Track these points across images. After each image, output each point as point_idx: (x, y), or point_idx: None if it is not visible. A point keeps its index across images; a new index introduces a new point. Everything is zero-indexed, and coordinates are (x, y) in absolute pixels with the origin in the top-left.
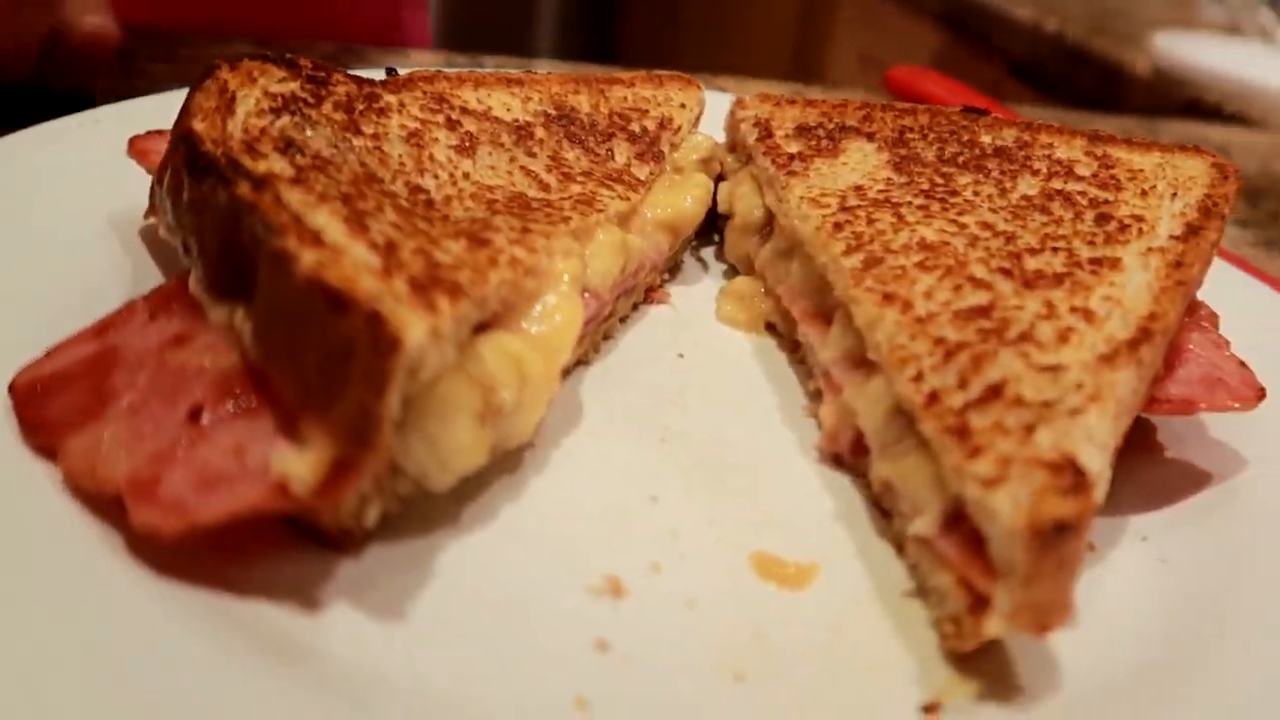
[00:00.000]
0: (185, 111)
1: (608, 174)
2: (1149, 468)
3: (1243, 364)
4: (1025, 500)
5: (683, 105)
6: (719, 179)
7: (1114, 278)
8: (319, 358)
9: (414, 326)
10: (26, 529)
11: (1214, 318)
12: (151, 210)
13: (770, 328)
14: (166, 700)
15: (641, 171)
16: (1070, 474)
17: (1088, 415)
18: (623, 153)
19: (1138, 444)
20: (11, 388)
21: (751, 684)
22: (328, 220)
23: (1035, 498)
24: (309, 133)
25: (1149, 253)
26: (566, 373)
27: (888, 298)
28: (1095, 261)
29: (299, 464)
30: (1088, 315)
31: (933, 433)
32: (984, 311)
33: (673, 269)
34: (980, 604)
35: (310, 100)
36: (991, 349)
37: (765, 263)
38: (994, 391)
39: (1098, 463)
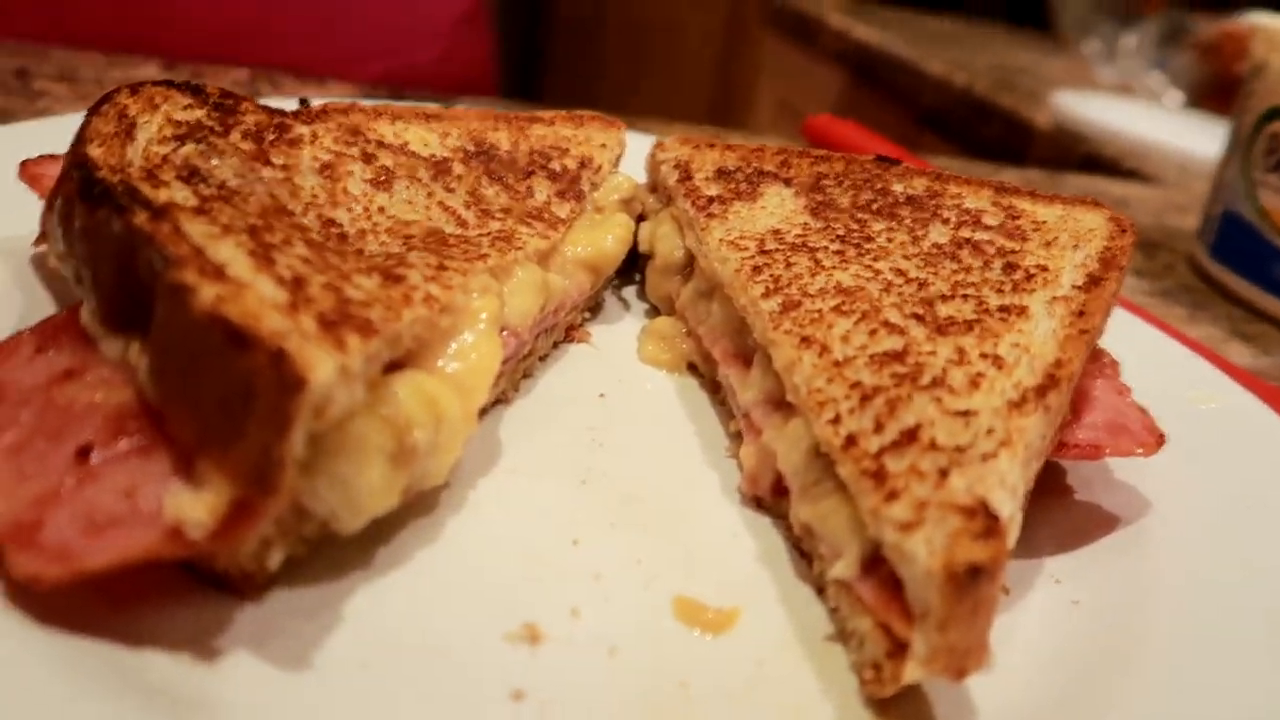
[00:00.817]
0: (81, 137)
1: (527, 211)
2: (1060, 511)
3: (1143, 410)
4: (940, 544)
5: (603, 145)
6: (640, 219)
7: (1022, 325)
8: (218, 396)
9: (321, 365)
10: None
11: (1115, 365)
12: (42, 238)
13: (692, 368)
14: None
15: (562, 210)
16: (983, 518)
17: (999, 460)
18: (543, 191)
19: (1048, 488)
20: None
21: None
22: (233, 253)
23: (950, 541)
24: (215, 162)
25: (1054, 301)
26: (484, 412)
27: (805, 340)
28: (1004, 309)
29: (195, 506)
30: (997, 362)
31: (850, 476)
32: (899, 356)
33: (594, 308)
34: (899, 649)
35: (217, 128)
36: (906, 393)
37: (686, 303)
38: (909, 436)
39: (1009, 506)
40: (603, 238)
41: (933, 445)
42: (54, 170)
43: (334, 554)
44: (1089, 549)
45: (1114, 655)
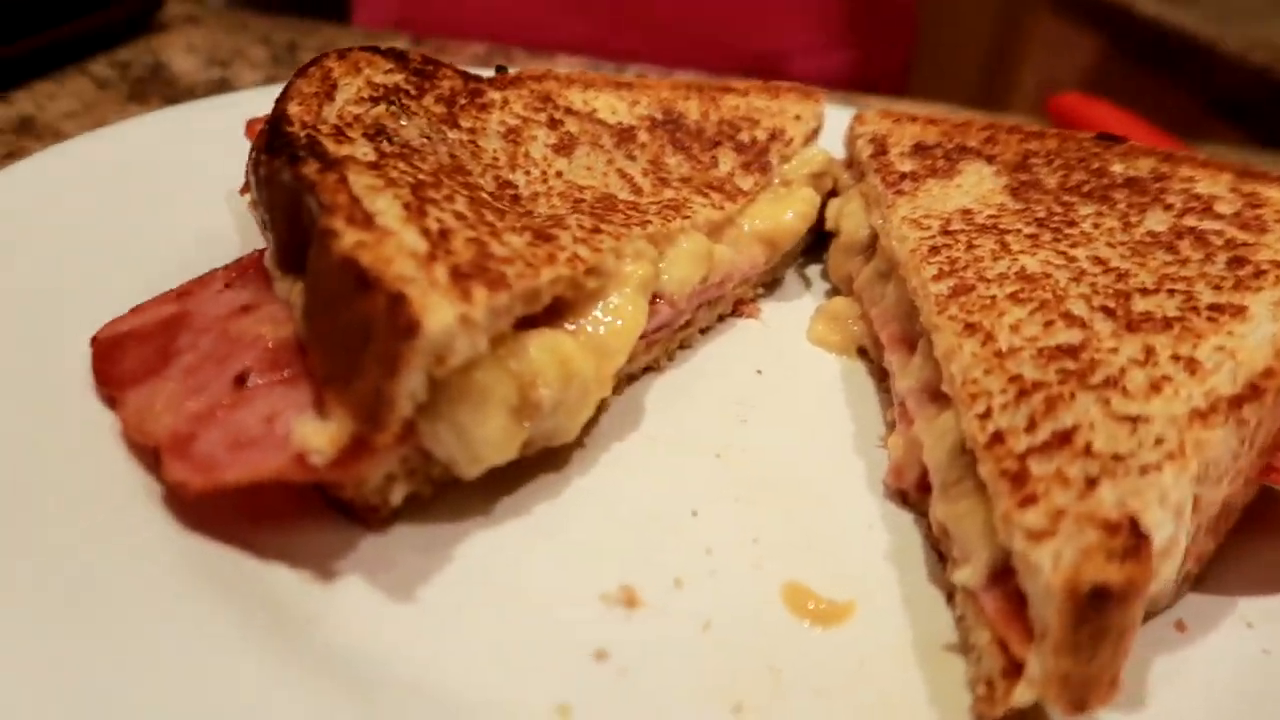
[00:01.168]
0: (283, 95)
1: (707, 182)
2: (1270, 547)
3: None
4: (1070, 559)
5: (797, 117)
6: (832, 195)
7: (1234, 327)
8: (345, 334)
9: (438, 312)
10: (79, 470)
11: None
12: (246, 187)
13: (862, 353)
14: (154, 642)
15: (745, 182)
16: (1127, 536)
17: (1163, 474)
18: (727, 161)
19: (1262, 519)
20: (93, 341)
21: (747, 717)
22: (389, 205)
23: (1081, 557)
24: (403, 122)
25: None
26: (634, 378)
27: (970, 328)
28: (1216, 308)
29: (318, 437)
30: (1191, 365)
31: (989, 475)
32: (1072, 351)
33: (771, 284)
34: (1014, 668)
35: (412, 92)
36: (1069, 392)
37: (863, 284)
38: (1062, 438)
39: (1168, 528)
40: (782, 212)
41: (1087, 451)
42: None
43: (458, 498)
44: None
45: None
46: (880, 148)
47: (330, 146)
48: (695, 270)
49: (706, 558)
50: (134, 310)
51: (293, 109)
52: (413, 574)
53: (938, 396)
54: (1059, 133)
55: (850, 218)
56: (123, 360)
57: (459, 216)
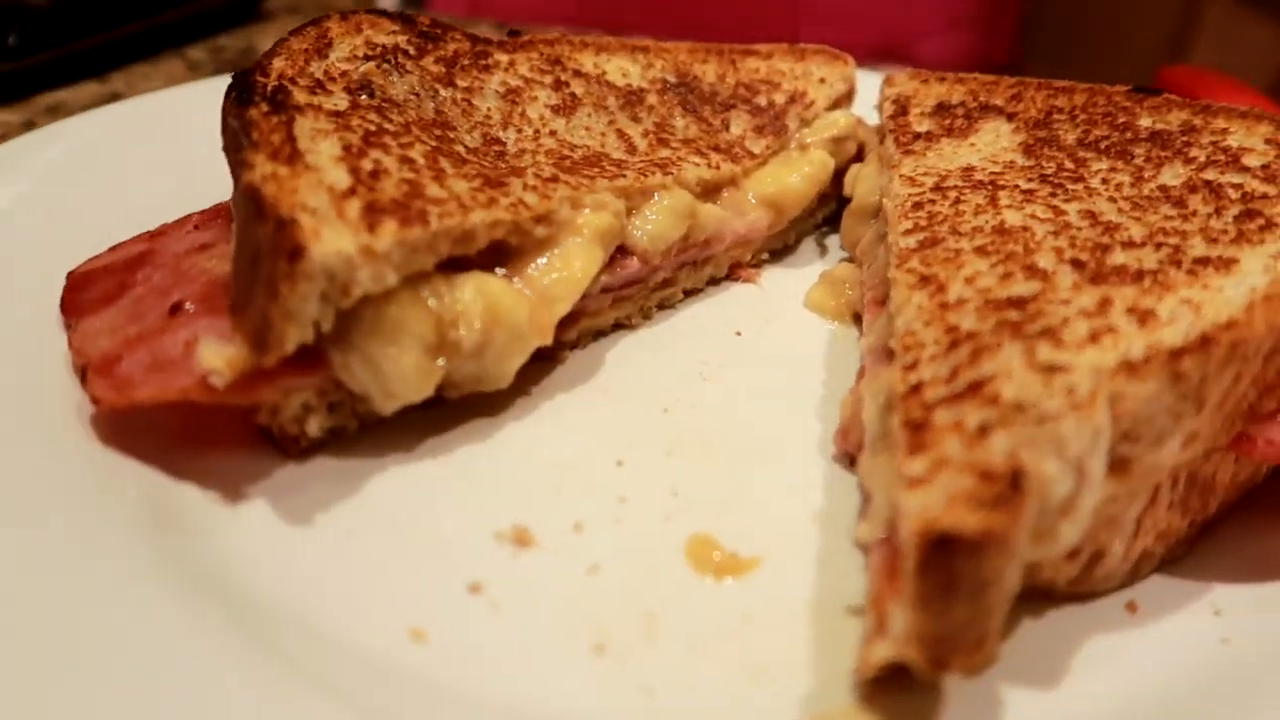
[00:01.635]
0: (271, 50)
1: (713, 144)
2: (1259, 532)
3: None
4: (935, 506)
5: (822, 80)
6: (858, 161)
7: (1213, 280)
8: (244, 262)
9: (332, 240)
10: (18, 387)
11: None
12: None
13: (857, 319)
14: (40, 536)
15: (756, 145)
16: (1002, 485)
17: (1061, 424)
18: (740, 124)
19: (1264, 504)
20: (68, 275)
21: (606, 659)
22: (328, 147)
23: (945, 505)
24: (393, 79)
25: None
26: (602, 334)
27: (924, 280)
28: (1202, 261)
29: (217, 358)
30: (1145, 317)
31: (896, 426)
32: (1020, 303)
33: (781, 250)
34: (884, 625)
35: (412, 52)
36: (998, 341)
37: (865, 247)
38: (974, 388)
39: (1066, 484)
40: (789, 175)
41: (993, 400)
42: None
43: (385, 435)
44: (1276, 585)
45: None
46: (902, 108)
47: (298, 95)
48: (674, 227)
49: (617, 506)
50: (111, 248)
51: (276, 63)
52: (315, 502)
53: (889, 354)
54: (1090, 87)
55: (864, 181)
56: (86, 291)
57: (407, 161)
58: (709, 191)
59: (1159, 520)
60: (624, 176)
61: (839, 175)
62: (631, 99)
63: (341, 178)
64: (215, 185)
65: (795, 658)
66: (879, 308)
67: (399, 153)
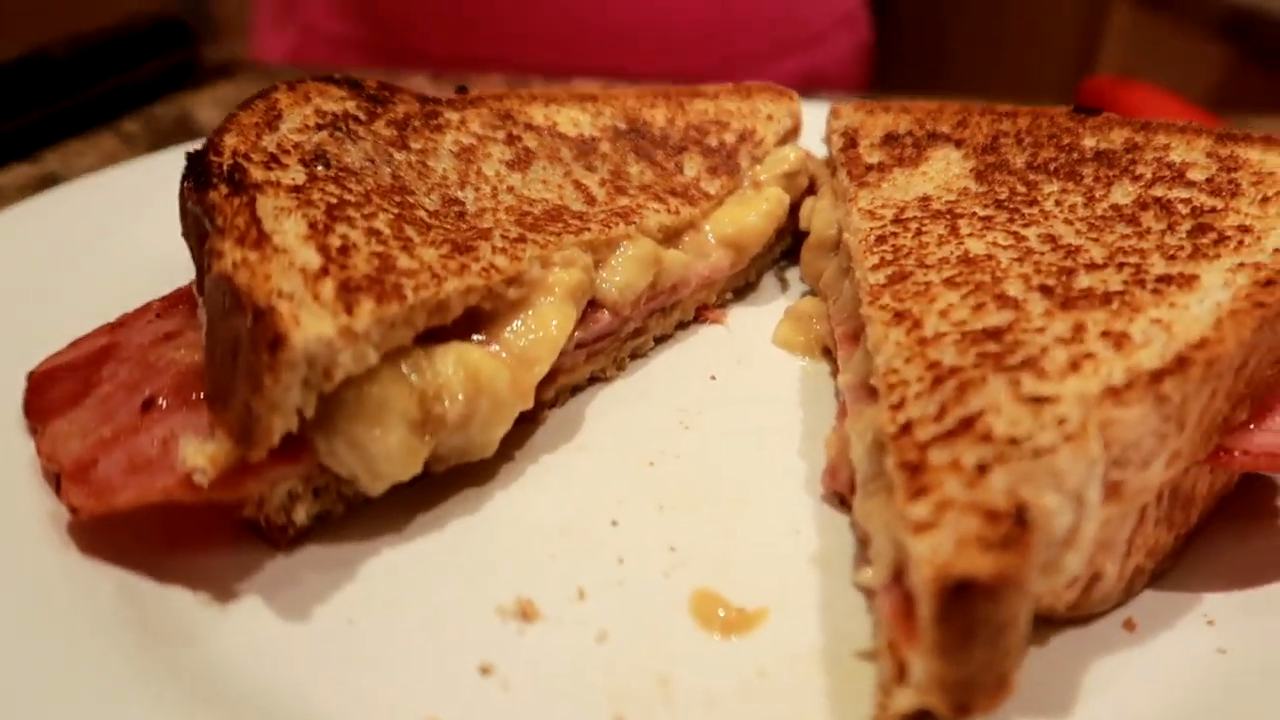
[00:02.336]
0: (221, 126)
1: (669, 188)
2: (1245, 539)
3: None
4: (945, 551)
5: (770, 117)
6: (810, 194)
7: (1179, 298)
8: (222, 354)
9: (311, 325)
10: None
11: None
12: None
13: (826, 353)
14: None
15: (711, 186)
16: (1008, 524)
17: (1058, 457)
18: (694, 166)
19: (1242, 507)
20: (28, 376)
21: None
22: (293, 225)
23: (955, 549)
24: (347, 146)
25: (1239, 269)
26: (578, 389)
27: (898, 316)
28: (1164, 279)
29: (199, 456)
30: (1120, 341)
31: (892, 468)
32: (997, 334)
33: (743, 289)
34: (904, 673)
35: (362, 118)
36: (982, 375)
37: (828, 281)
38: (966, 424)
39: (1067, 516)
40: (747, 214)
41: (986, 436)
42: None
43: (372, 516)
44: (1264, 591)
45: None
46: (851, 140)
47: (255, 173)
48: (640, 276)
49: (617, 567)
50: (71, 344)
51: (227, 140)
52: (310, 593)
53: (871, 391)
54: (1032, 110)
55: (820, 215)
56: (50, 392)
57: (373, 233)
58: (671, 237)
59: (1148, 537)
60: (588, 230)
61: (794, 209)
62: (585, 149)
63: (312, 257)
64: (169, 268)
65: (813, 708)
66: (853, 343)
67: (364, 225)
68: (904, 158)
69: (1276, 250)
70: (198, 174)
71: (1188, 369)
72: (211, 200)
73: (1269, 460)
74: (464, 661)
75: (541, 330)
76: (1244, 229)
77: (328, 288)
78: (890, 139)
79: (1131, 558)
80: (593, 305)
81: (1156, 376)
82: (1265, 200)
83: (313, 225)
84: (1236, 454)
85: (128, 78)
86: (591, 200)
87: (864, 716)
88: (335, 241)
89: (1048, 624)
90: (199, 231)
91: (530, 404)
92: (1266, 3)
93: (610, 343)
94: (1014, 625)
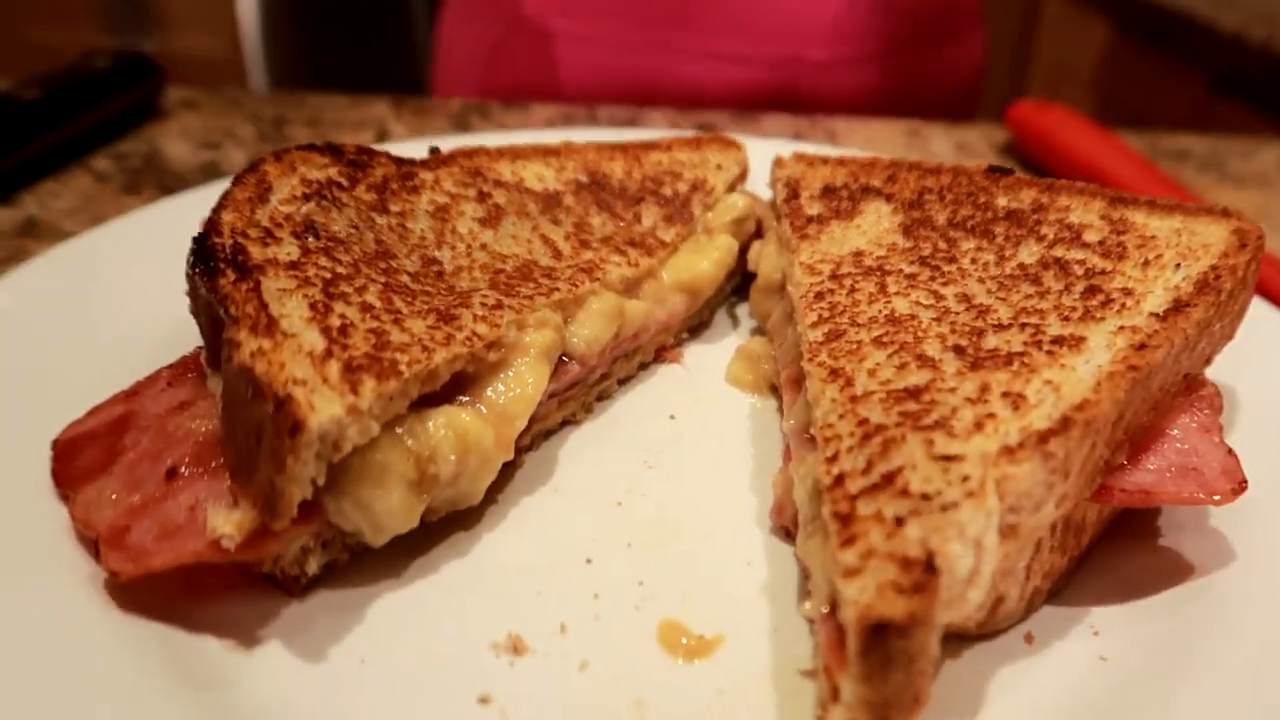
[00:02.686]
0: (219, 204)
1: (629, 238)
2: (1131, 556)
3: (1230, 452)
4: (868, 595)
5: (719, 167)
6: (759, 236)
7: (1069, 359)
8: (245, 434)
9: (324, 409)
10: (32, 560)
11: (1215, 399)
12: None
13: (775, 390)
14: (84, 709)
15: (667, 234)
16: (918, 572)
17: (961, 511)
18: (650, 216)
19: (1129, 530)
20: (53, 444)
21: None
22: (295, 307)
23: (876, 593)
24: (334, 214)
25: (1119, 332)
26: (551, 433)
27: (834, 373)
28: (1058, 340)
29: (227, 524)
30: (1018, 402)
31: (827, 516)
32: (916, 393)
33: (698, 327)
34: (837, 694)
35: (344, 184)
36: (903, 434)
37: (775, 324)
38: (888, 479)
39: (968, 561)
40: (700, 261)
41: (904, 491)
42: None
43: (374, 562)
44: (1145, 602)
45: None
46: (793, 191)
47: (254, 252)
48: (606, 329)
49: (593, 603)
50: (90, 412)
51: (226, 217)
52: (325, 636)
53: (811, 439)
54: (954, 168)
55: (767, 259)
56: (76, 460)
57: (366, 308)
58: (631, 287)
59: (1044, 563)
60: (557, 289)
61: (743, 250)
62: (550, 202)
63: (316, 340)
64: (166, 326)
65: None
66: (796, 389)
67: (357, 300)
68: (840, 210)
69: (1152, 314)
70: (205, 260)
71: (1070, 429)
72: (222, 289)
73: (1143, 496)
74: (465, 693)
75: (520, 388)
76: (1127, 291)
77: (334, 370)
78: (828, 191)
79: (1030, 581)
80: (563, 357)
81: (1044, 436)
82: (1146, 264)
83: (313, 306)
84: (1116, 492)
85: (97, 115)
86: (558, 254)
87: None
88: (335, 321)
89: (960, 640)
90: (210, 314)
91: (511, 456)
92: None
93: (579, 390)
94: (924, 652)
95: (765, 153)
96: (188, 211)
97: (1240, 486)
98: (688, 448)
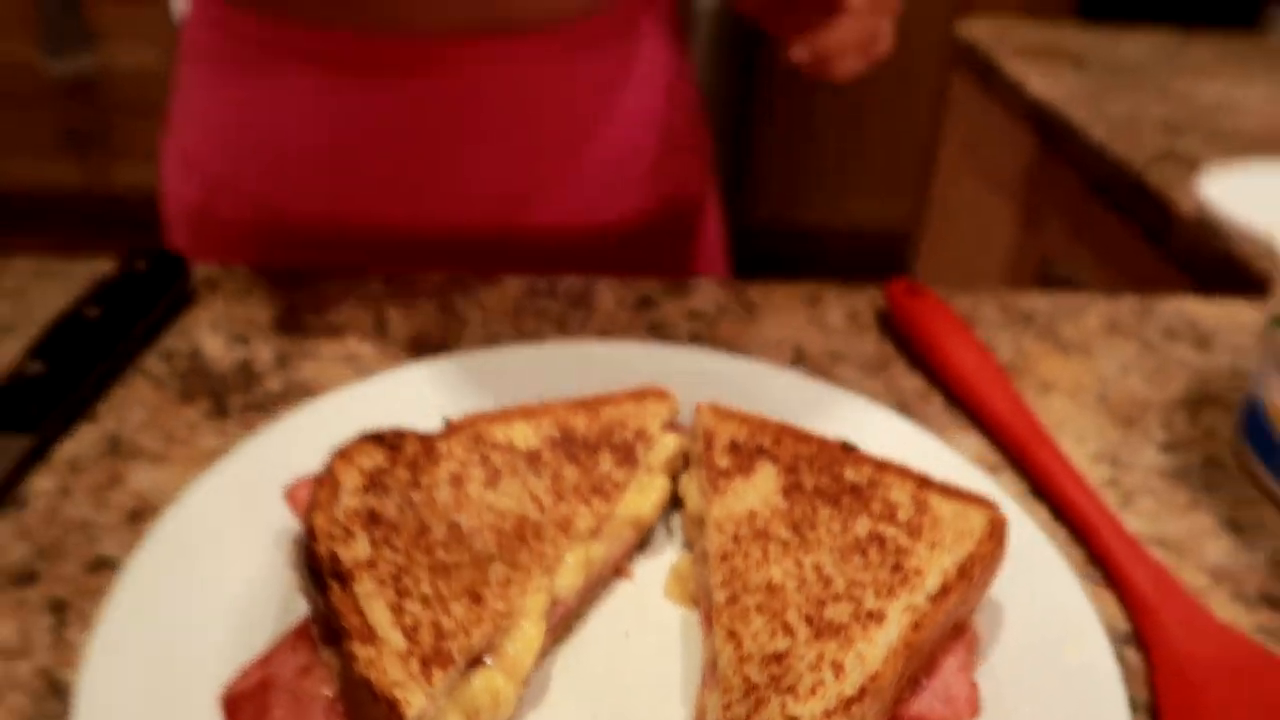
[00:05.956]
0: (310, 507)
1: (592, 485)
2: None
3: (973, 685)
4: None
5: (655, 414)
6: (687, 465)
7: (873, 633)
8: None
9: (415, 703)
10: None
11: (973, 642)
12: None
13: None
14: None
15: (619, 476)
16: None
17: None
18: (607, 462)
19: None
20: (223, 699)
21: None
22: (380, 611)
23: None
24: (384, 500)
25: (906, 610)
26: (538, 661)
27: (730, 634)
28: (870, 615)
29: None
30: (838, 671)
31: None
32: (780, 658)
33: (642, 543)
34: None
35: (387, 466)
36: (767, 696)
37: (697, 557)
38: None
39: None
40: (643, 502)
41: None
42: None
43: None
44: None
45: None
46: (708, 443)
47: (344, 556)
48: (580, 577)
49: None
50: (242, 674)
51: (319, 522)
52: None
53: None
54: (819, 440)
55: (691, 496)
56: (238, 717)
57: (424, 602)
58: (595, 531)
59: None
60: (545, 553)
61: (675, 478)
62: (532, 459)
63: (399, 641)
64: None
65: None
66: (709, 628)
67: (417, 593)
68: (742, 466)
69: (929, 595)
70: (314, 574)
71: (865, 696)
72: (334, 603)
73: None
74: None
75: (525, 643)
76: (918, 571)
77: (414, 665)
78: (734, 446)
79: None
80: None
81: (848, 703)
82: (933, 545)
83: (392, 607)
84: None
85: (149, 320)
86: (541, 508)
87: None
88: (408, 621)
89: None
90: (326, 623)
91: (521, 694)
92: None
93: (560, 626)
94: None
95: (681, 372)
96: (262, 469)
97: (973, 710)
98: (640, 664)
